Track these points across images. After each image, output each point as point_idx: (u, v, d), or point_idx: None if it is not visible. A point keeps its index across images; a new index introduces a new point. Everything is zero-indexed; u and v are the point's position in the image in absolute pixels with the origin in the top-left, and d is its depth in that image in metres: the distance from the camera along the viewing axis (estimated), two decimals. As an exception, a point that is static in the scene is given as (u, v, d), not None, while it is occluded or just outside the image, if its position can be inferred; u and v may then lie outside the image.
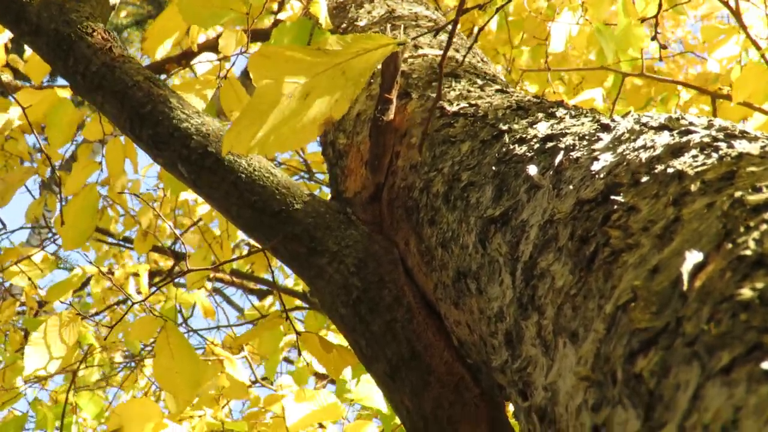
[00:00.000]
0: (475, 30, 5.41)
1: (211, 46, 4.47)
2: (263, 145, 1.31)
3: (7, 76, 3.83)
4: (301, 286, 6.56)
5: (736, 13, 3.51)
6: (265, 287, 7.37)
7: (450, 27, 1.56)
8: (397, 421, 3.14)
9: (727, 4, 3.56)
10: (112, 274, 6.68)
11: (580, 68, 4.84)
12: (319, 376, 6.55)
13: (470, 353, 1.52)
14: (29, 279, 5.39)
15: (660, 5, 3.23)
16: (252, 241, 7.06)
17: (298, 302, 6.39)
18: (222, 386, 3.66)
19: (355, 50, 1.33)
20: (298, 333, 2.54)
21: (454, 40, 2.38)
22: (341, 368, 2.33)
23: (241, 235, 5.59)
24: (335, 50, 1.31)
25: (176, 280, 6.81)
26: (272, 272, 3.24)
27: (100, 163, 3.49)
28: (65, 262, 7.17)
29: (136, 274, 6.27)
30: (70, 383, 3.35)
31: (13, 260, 5.41)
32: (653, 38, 3.35)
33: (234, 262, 6.22)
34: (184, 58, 5.15)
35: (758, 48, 3.54)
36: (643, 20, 3.94)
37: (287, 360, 7.37)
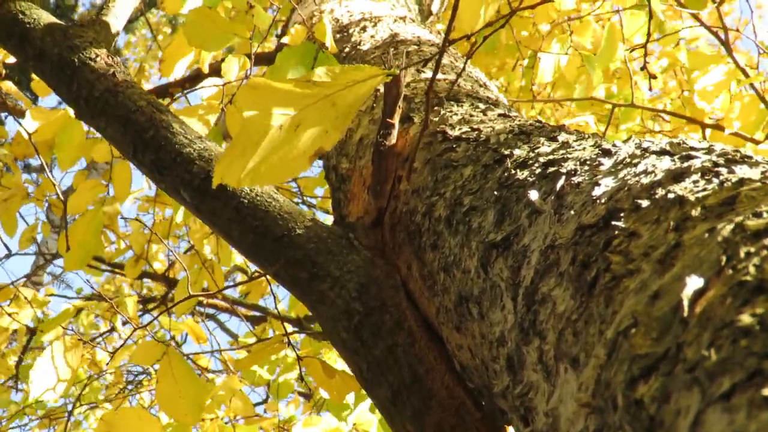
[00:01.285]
0: (477, 52, 5.42)
1: (216, 69, 4.47)
2: (254, 176, 1.31)
3: (12, 98, 3.83)
4: (294, 312, 6.54)
5: (726, 43, 3.52)
6: (258, 314, 7.34)
7: (442, 55, 1.56)
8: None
9: (716, 35, 3.57)
10: (105, 299, 6.67)
11: (569, 99, 4.85)
12: (306, 397, 6.52)
13: (472, 377, 1.52)
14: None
15: (648, 34, 3.23)
16: (246, 268, 7.04)
17: (290, 328, 6.36)
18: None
19: (345, 82, 1.33)
20: (300, 358, 2.53)
21: (457, 63, 2.39)
22: (344, 394, 2.33)
23: (235, 259, 5.57)
24: (324, 81, 1.31)
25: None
26: (274, 297, 3.24)
27: (107, 185, 3.50)
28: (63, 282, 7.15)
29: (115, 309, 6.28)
30: (69, 413, 3.35)
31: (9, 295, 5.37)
32: (642, 68, 3.35)
33: (231, 288, 6.20)
34: (188, 82, 5.15)
35: (746, 75, 3.55)
36: (632, 49, 3.95)
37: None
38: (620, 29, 4.18)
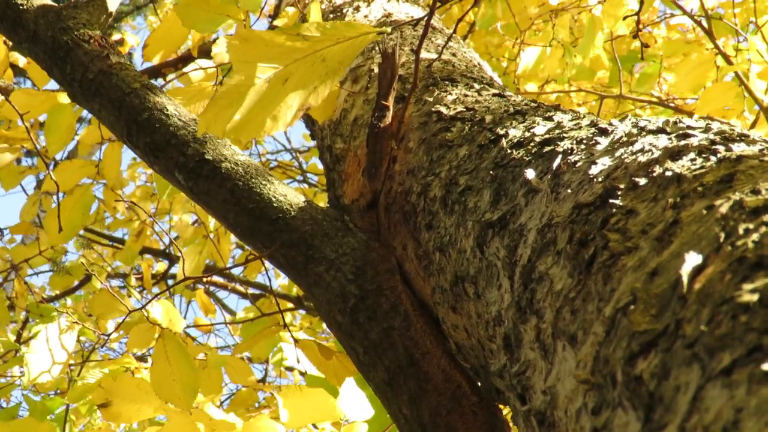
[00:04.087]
0: (470, 34, 5.41)
1: (207, 50, 4.45)
2: (240, 129, 1.31)
3: (4, 81, 3.81)
4: (294, 290, 6.54)
5: (709, 32, 3.52)
6: (258, 291, 7.34)
7: (432, 19, 1.55)
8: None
9: (699, 24, 3.57)
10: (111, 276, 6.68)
11: (560, 90, 4.86)
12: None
13: (468, 357, 1.52)
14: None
15: (642, 2, 3.21)
16: (243, 244, 7.05)
17: (290, 306, 6.38)
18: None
19: (336, 37, 1.32)
20: (296, 340, 2.52)
21: (451, 44, 2.38)
22: (343, 376, 2.32)
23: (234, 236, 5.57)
24: (315, 36, 1.31)
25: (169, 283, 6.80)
26: (269, 278, 3.24)
27: (98, 165, 3.49)
28: (60, 265, 7.12)
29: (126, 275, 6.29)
30: (70, 385, 3.34)
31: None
32: (635, 36, 3.33)
33: (230, 269, 6.21)
34: (180, 62, 5.14)
35: (729, 63, 3.54)
36: (626, 17, 3.94)
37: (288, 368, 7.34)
38: (601, 20, 4.18)
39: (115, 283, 7.12)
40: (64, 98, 3.35)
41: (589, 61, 4.58)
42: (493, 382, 1.34)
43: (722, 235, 0.79)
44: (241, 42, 1.29)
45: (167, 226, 7.19)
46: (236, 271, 7.18)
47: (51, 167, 3.51)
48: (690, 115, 3.88)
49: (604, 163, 1.17)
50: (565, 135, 1.38)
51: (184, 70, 3.50)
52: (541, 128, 1.48)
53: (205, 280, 6.22)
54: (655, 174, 1.04)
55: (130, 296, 5.86)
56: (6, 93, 3.53)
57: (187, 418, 2.49)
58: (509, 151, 1.45)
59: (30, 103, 3.31)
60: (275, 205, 1.82)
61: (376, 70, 2.04)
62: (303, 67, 1.32)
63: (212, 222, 5.29)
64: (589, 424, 0.84)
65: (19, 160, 5.63)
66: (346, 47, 1.34)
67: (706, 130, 1.15)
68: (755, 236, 0.75)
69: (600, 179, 1.12)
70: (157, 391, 2.34)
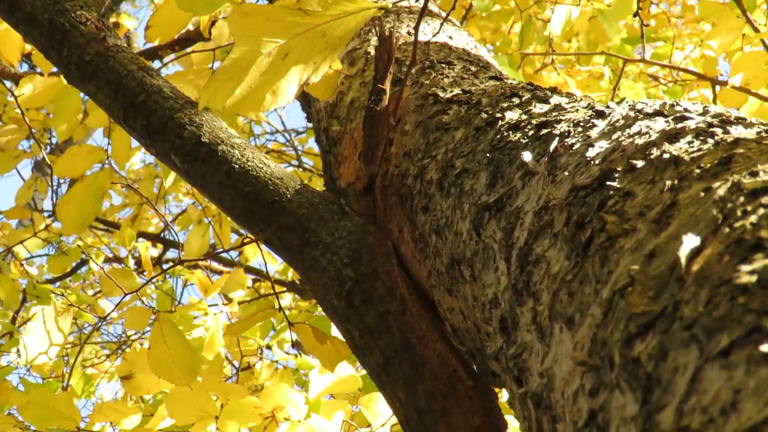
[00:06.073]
0: (466, 20, 5.38)
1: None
2: (240, 103, 1.31)
3: (2, 63, 3.79)
4: (290, 275, 6.53)
5: (738, 0, 3.50)
6: (253, 276, 7.32)
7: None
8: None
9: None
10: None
11: (582, 53, 4.81)
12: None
13: (464, 340, 1.52)
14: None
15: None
16: (239, 228, 7.03)
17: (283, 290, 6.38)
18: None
19: (336, 13, 1.33)
20: (291, 324, 2.52)
21: (448, 27, 2.38)
22: (336, 361, 2.32)
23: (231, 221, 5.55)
24: (315, 11, 1.31)
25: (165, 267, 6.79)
26: (265, 262, 3.23)
27: (107, 149, 3.47)
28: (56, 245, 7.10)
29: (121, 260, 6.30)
30: (71, 367, 3.35)
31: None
32: (635, 14, 3.31)
33: (225, 253, 6.21)
34: (178, 44, 5.11)
35: (756, 30, 3.53)
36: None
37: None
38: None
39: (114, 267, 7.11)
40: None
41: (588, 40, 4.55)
42: (489, 365, 1.34)
43: (720, 217, 0.79)
44: (242, 16, 1.29)
45: (164, 209, 7.18)
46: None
47: (47, 151, 3.50)
48: (712, 82, 3.87)
49: (601, 145, 1.17)
50: (561, 117, 1.38)
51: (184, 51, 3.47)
52: (537, 111, 1.48)
53: (201, 264, 6.21)
54: (652, 156, 1.04)
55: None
56: (7, 76, 3.51)
57: (198, 385, 2.52)
58: (506, 133, 1.45)
59: (36, 87, 3.30)
60: (271, 188, 1.81)
61: (373, 52, 2.04)
62: (303, 42, 1.32)
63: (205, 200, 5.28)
64: (586, 405, 0.84)
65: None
66: (346, 22, 1.34)
67: (704, 113, 1.15)
68: (753, 218, 0.75)
69: (597, 162, 1.12)
70: (156, 372, 2.35)
